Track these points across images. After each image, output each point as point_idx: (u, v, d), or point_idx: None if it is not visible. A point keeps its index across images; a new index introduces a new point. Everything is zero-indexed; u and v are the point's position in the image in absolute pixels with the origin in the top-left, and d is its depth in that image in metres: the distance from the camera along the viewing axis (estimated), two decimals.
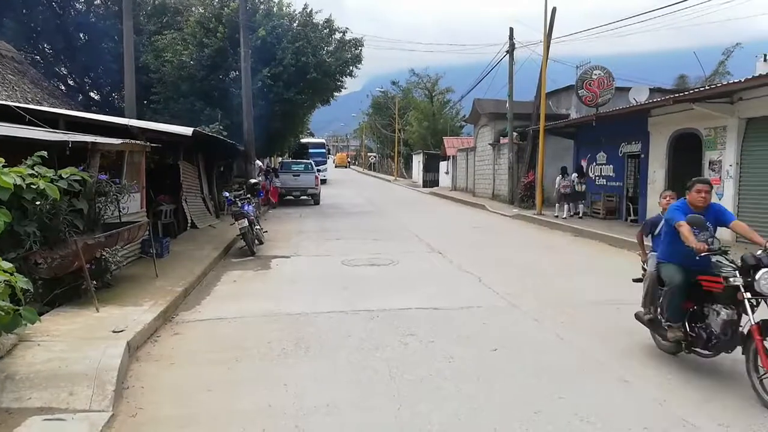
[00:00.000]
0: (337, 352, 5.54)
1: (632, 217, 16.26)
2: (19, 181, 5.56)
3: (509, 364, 5.18)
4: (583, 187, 18.04)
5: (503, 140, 24.98)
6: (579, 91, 19.21)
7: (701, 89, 13.03)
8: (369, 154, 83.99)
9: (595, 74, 19.08)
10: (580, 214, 17.67)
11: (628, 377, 4.84)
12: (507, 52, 23.90)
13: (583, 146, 19.68)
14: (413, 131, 49.30)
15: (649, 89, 19.71)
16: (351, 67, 23.87)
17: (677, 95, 13.54)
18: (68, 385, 4.32)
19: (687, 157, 13.82)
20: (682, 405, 4.30)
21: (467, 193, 30.04)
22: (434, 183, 40.43)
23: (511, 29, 23.94)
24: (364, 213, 21.14)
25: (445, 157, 38.05)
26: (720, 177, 12.53)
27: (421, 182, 42.32)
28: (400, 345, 5.72)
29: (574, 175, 18.04)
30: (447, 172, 37.80)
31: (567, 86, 24.12)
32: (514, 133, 23.31)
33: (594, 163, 18.63)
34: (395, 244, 12.84)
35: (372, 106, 67.01)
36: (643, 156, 15.83)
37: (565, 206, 17.32)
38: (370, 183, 48.28)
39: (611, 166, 17.69)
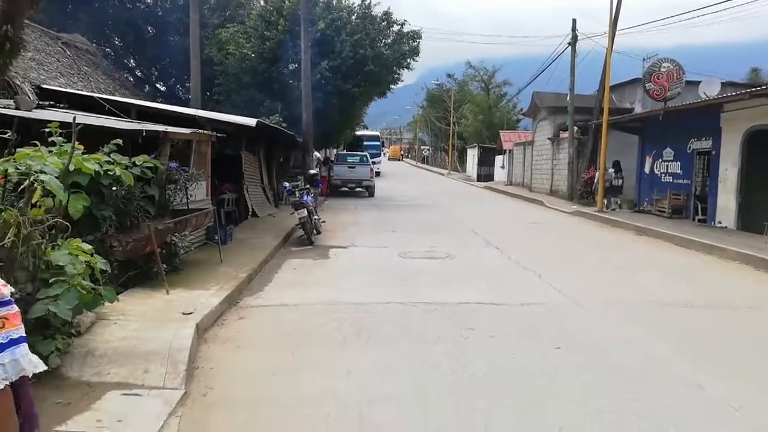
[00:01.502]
0: (397, 342, 5.57)
1: (700, 217, 15.56)
2: (97, 168, 5.84)
3: (573, 363, 5.07)
4: (620, 181, 18.65)
5: (563, 134, 24.39)
6: (646, 85, 18.49)
7: None
8: (422, 147, 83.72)
9: (664, 67, 18.30)
10: (614, 207, 18.51)
11: (702, 382, 4.64)
12: (569, 43, 23.29)
13: (648, 142, 18.96)
14: (468, 124, 48.80)
15: (721, 83, 18.77)
16: (408, 60, 23.83)
17: (755, 89, 12.84)
18: (143, 362, 4.53)
19: (763, 156, 13.09)
20: (761, 413, 4.09)
21: (523, 188, 29.51)
22: (489, 177, 39.92)
23: (574, 20, 23.39)
24: (418, 206, 21.11)
25: (501, 151, 37.48)
26: None
27: (475, 176, 41.88)
28: (460, 339, 5.69)
29: (611, 170, 18.53)
30: (503, 167, 37.23)
31: (632, 79, 23.27)
32: (575, 128, 22.72)
33: (660, 160, 17.92)
34: (451, 237, 12.76)
35: (426, 99, 66.70)
36: (714, 153, 15.10)
37: (604, 201, 18.26)
38: (424, 176, 48.16)
39: (678, 162, 16.97)
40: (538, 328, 6.10)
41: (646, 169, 18.75)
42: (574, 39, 23.15)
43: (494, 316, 6.52)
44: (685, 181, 16.63)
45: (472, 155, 45.56)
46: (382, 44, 22.90)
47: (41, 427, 1.57)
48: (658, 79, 18.39)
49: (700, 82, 18.81)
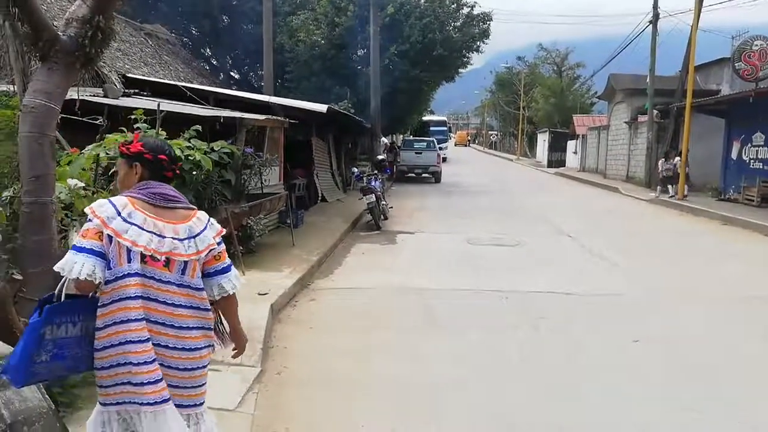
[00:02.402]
0: (466, 329, 5.53)
1: None
2: (178, 153, 6.10)
3: (654, 359, 4.86)
4: (686, 169, 17.91)
5: (641, 118, 23.24)
6: (736, 64, 17.27)
7: None
8: (490, 132, 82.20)
9: (757, 45, 17.00)
10: (676, 195, 17.59)
11: None
12: (650, 22, 22.07)
13: (735, 126, 17.72)
14: (539, 108, 47.35)
15: None
16: (478, 43, 23.38)
17: None
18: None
19: None
20: None
21: (597, 175, 28.41)
22: (560, 163, 38.69)
23: None
24: (486, 192, 20.78)
25: (574, 136, 36.20)
26: None
27: (545, 162, 40.68)
28: (531, 329, 5.58)
29: (677, 159, 17.77)
30: (575, 152, 35.96)
31: (718, 59, 21.82)
32: (655, 111, 21.58)
33: (749, 145, 16.72)
34: (520, 224, 12.48)
35: (495, 83, 65.19)
36: None
37: (663, 188, 18.00)
38: (492, 162, 47.34)
39: None
40: (613, 320, 5.89)
41: (733, 155, 17.56)
42: (656, 17, 21.91)
43: (567, 305, 6.35)
44: None
45: (543, 140, 44.25)
46: (451, 27, 22.56)
47: None
48: (750, 58, 17.11)
49: None
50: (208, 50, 27.04)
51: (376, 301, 6.48)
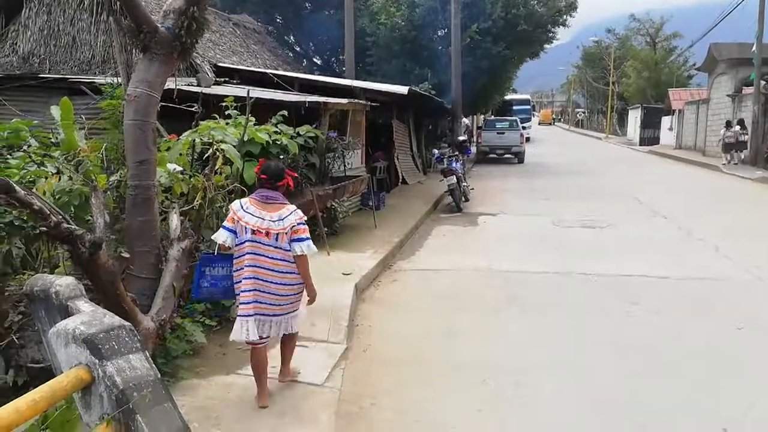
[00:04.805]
0: (553, 313, 5.40)
1: None
2: (267, 138, 6.33)
3: (759, 347, 4.53)
4: (746, 137, 18.78)
5: (746, 90, 21.42)
6: None
7: None
8: (576, 110, 78.83)
9: None
10: (737, 162, 18.72)
11: None
12: None
13: None
14: (630, 83, 44.73)
15: None
16: (564, 16, 22.33)
17: None
18: (309, 317, 4.84)
19: None
20: None
21: (695, 152, 26.56)
22: (654, 141, 36.47)
23: None
24: (572, 172, 19.99)
25: (669, 112, 33.97)
26: None
27: (637, 140, 38.49)
28: (622, 313, 5.35)
29: (737, 127, 18.77)
30: (670, 129, 33.75)
31: None
32: (762, 82, 19.80)
33: None
34: (611, 206, 11.91)
35: (582, 58, 62.30)
36: None
37: (728, 155, 19.05)
38: (578, 141, 45.45)
39: None
40: (714, 306, 5.53)
41: None
42: None
43: (662, 290, 6.03)
44: None
45: (634, 117, 41.82)
46: (535, 1, 21.70)
47: None
48: None
49: None
50: (291, 37, 27.66)
51: (458, 282, 6.45)
